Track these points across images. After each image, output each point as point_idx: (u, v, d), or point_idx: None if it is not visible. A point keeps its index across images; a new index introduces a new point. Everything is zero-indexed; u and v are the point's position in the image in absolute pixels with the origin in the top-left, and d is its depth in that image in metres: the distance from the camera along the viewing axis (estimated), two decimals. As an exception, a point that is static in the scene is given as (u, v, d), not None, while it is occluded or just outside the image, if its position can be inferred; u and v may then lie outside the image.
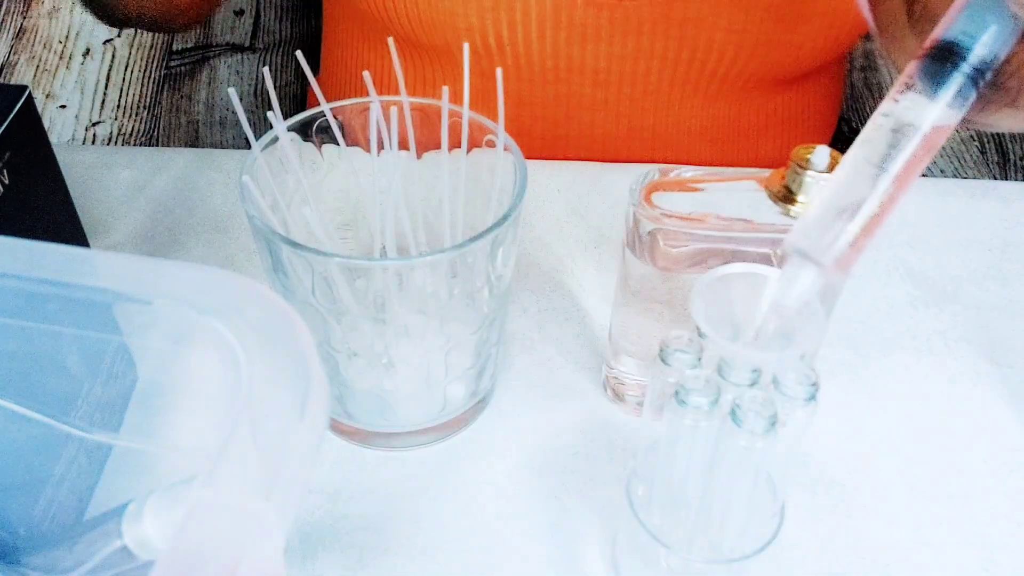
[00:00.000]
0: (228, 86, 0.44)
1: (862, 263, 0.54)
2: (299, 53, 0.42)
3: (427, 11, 0.55)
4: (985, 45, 0.29)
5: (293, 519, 0.27)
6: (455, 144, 0.43)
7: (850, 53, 1.69)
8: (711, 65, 0.57)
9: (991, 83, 0.30)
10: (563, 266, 0.53)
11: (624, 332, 0.43)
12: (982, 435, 0.45)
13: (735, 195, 0.38)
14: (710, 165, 0.60)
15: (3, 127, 0.40)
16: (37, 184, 0.43)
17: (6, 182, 0.40)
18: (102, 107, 1.65)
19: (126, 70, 1.72)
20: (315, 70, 0.74)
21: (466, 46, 0.42)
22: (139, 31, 1.80)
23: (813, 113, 0.66)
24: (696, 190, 0.39)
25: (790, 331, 0.30)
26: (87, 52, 1.76)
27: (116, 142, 1.59)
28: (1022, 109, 0.31)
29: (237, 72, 1.61)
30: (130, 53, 1.76)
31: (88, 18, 1.83)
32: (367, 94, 0.41)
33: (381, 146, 0.41)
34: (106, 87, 1.69)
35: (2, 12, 1.84)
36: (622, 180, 0.54)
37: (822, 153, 0.35)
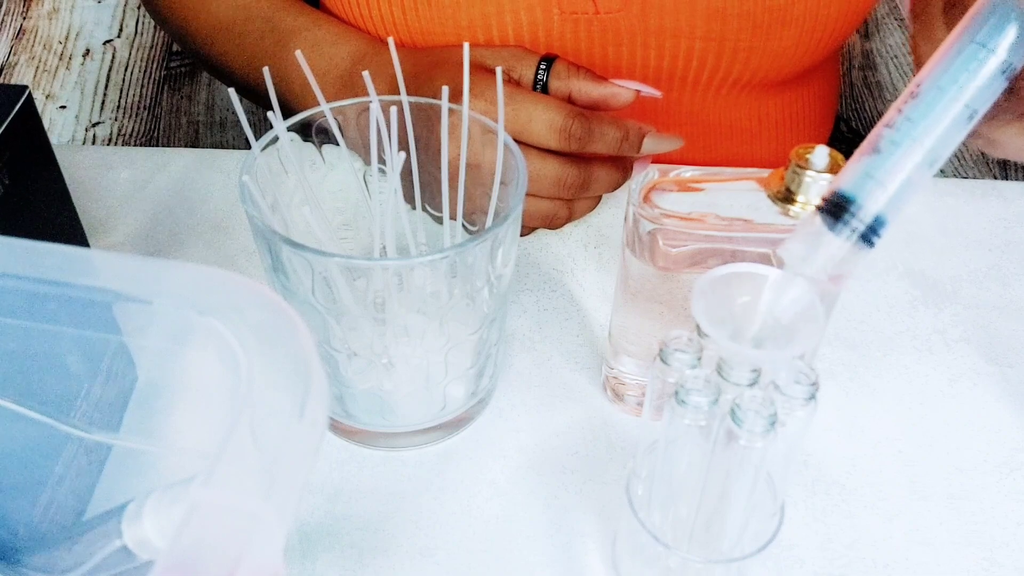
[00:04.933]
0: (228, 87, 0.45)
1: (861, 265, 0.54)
2: (299, 53, 0.42)
3: (405, 32, 0.55)
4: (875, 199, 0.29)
5: (293, 519, 0.27)
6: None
7: (848, 53, 1.69)
8: (692, 73, 0.57)
9: (1006, 89, 0.29)
10: (563, 266, 0.53)
11: (624, 332, 0.43)
12: (982, 435, 0.45)
13: (735, 195, 0.38)
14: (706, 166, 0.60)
15: (3, 127, 0.40)
16: (37, 184, 0.43)
17: (6, 182, 0.40)
18: (102, 108, 1.65)
19: (126, 71, 1.72)
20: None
21: (466, 45, 0.42)
22: (139, 31, 1.80)
23: (808, 114, 0.66)
24: (696, 190, 0.39)
25: (790, 331, 0.30)
26: (87, 53, 1.76)
27: (116, 143, 1.59)
28: None
29: (237, 72, 1.60)
30: (130, 54, 1.76)
31: (88, 18, 1.83)
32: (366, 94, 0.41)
33: (380, 146, 0.41)
34: (106, 88, 1.69)
35: (2, 12, 1.84)
36: (622, 180, 0.54)
37: (821, 153, 0.35)
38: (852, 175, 0.30)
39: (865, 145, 0.30)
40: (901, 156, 0.29)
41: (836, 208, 0.30)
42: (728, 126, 0.62)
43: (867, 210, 0.29)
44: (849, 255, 0.30)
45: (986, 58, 0.28)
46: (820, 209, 0.30)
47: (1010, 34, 0.28)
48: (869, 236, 0.30)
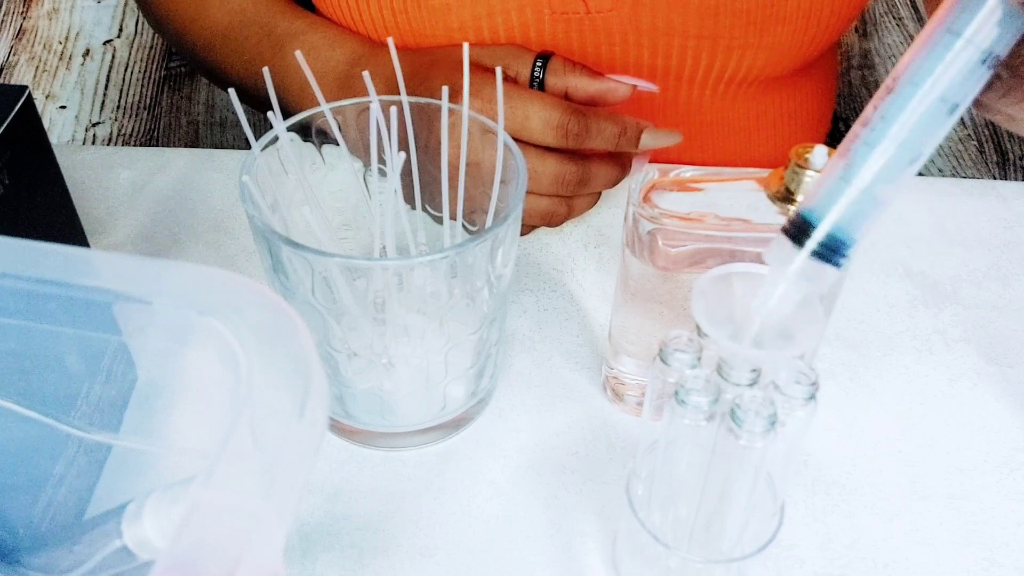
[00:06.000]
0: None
1: (861, 263, 0.54)
2: (299, 53, 0.42)
3: (396, 34, 0.55)
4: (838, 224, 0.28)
5: (293, 519, 0.27)
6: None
7: (846, 52, 1.69)
8: (687, 71, 0.57)
9: (1011, 69, 0.28)
10: (563, 266, 0.53)
11: (624, 332, 0.43)
12: (982, 435, 0.45)
13: (734, 195, 0.38)
14: (704, 166, 0.59)
15: (3, 127, 0.40)
16: (37, 184, 0.43)
17: (6, 182, 0.40)
18: (102, 108, 1.65)
19: (126, 71, 1.72)
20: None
21: (465, 45, 0.42)
22: (139, 31, 1.80)
23: (804, 111, 0.66)
24: (695, 190, 0.39)
25: (790, 331, 0.30)
26: (87, 53, 1.76)
27: (116, 143, 1.59)
28: None
29: (237, 72, 1.60)
30: (130, 54, 1.76)
31: (88, 18, 1.83)
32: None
33: (380, 146, 0.41)
34: (106, 88, 1.69)
35: (2, 12, 1.84)
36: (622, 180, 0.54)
37: (820, 153, 0.35)
38: (819, 195, 0.28)
39: (841, 148, 0.29)
40: (873, 163, 0.28)
41: (799, 232, 0.29)
42: (724, 124, 0.62)
43: (830, 234, 0.28)
44: (818, 275, 0.29)
45: (963, 48, 0.26)
46: (785, 231, 0.29)
47: (987, 21, 0.26)
48: (835, 259, 0.29)
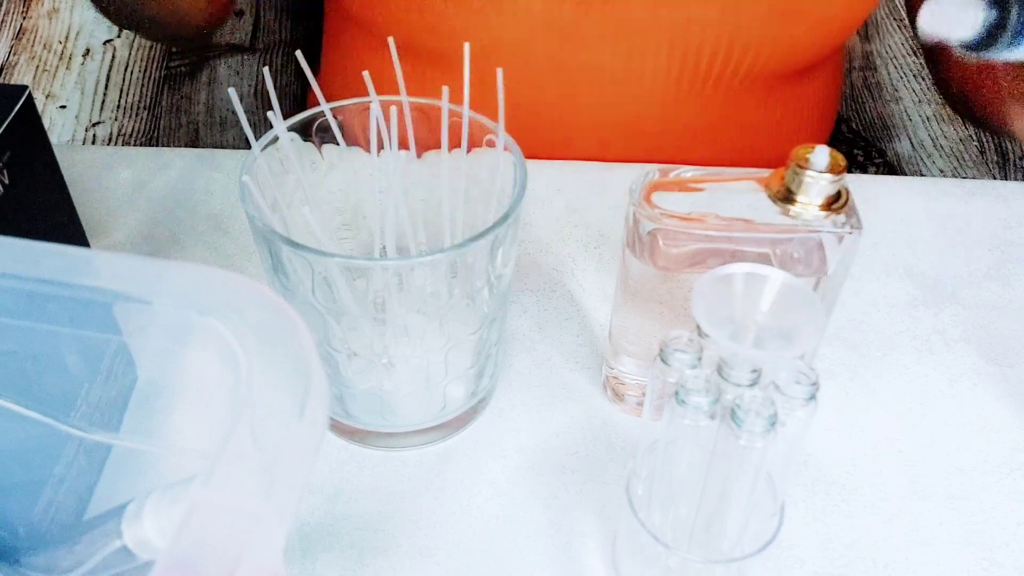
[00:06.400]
0: (228, 86, 0.45)
1: (861, 263, 0.54)
2: (299, 53, 0.42)
3: (417, 15, 0.55)
4: None
5: (293, 519, 0.27)
6: (455, 144, 0.43)
7: (848, 54, 1.69)
8: (704, 63, 0.57)
9: None
10: (563, 266, 0.53)
11: (624, 332, 0.43)
12: (982, 435, 0.45)
13: (735, 195, 0.38)
14: (707, 165, 0.60)
15: (3, 127, 0.40)
16: (37, 184, 0.43)
17: (6, 182, 0.40)
18: (102, 107, 1.65)
19: (126, 71, 1.72)
20: (315, 71, 0.74)
21: (467, 45, 0.42)
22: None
23: (809, 111, 0.66)
24: (696, 190, 0.39)
25: (790, 331, 0.30)
26: (87, 52, 1.76)
27: (116, 142, 1.59)
28: None
29: (237, 73, 1.61)
30: (130, 54, 1.76)
31: (88, 18, 1.83)
32: (367, 94, 0.41)
33: (381, 146, 0.41)
34: (106, 87, 1.69)
35: (2, 12, 1.84)
36: (622, 180, 0.54)
37: (821, 153, 0.35)
38: None
39: None
40: None
41: None
42: (730, 122, 0.62)
43: None
44: None
45: None
46: None
47: None
48: None
